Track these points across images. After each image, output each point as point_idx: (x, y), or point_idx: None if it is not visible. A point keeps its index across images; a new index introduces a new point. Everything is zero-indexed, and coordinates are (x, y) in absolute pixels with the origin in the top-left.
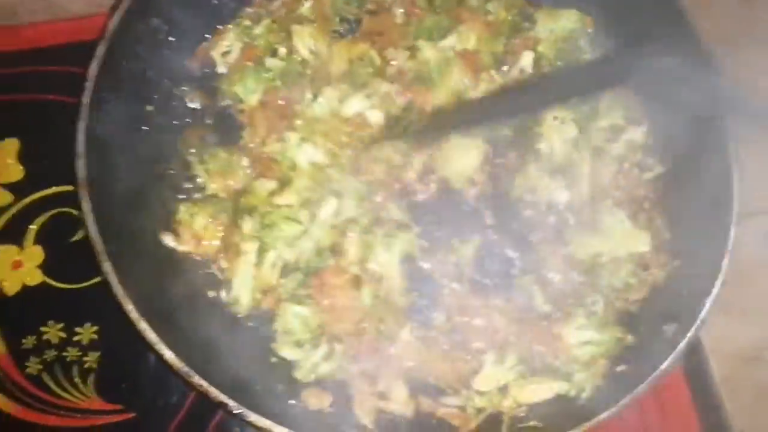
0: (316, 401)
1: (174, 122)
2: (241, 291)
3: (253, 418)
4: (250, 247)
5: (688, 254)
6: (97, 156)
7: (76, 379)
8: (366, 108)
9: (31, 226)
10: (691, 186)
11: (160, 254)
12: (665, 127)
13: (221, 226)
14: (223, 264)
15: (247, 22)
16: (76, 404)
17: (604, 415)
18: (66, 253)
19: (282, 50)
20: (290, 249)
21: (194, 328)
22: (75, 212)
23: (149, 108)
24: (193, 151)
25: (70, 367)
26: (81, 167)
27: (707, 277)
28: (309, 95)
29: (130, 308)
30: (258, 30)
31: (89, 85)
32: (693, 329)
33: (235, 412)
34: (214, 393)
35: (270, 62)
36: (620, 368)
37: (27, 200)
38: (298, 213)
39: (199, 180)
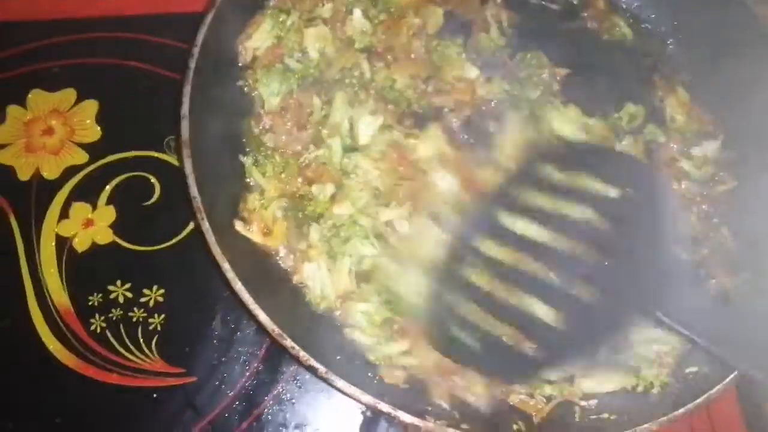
0: (392, 378)
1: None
2: (318, 294)
3: (340, 384)
4: (319, 255)
5: (758, 270)
6: (193, 123)
7: (140, 340)
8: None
9: (106, 187)
10: (760, 202)
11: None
12: (739, 141)
13: (288, 227)
14: (291, 263)
15: (281, 16)
16: (139, 364)
17: (678, 413)
18: (138, 216)
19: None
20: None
21: (277, 297)
22: (150, 177)
23: (238, 84)
24: (248, 151)
25: (135, 327)
26: (185, 128)
27: None
28: (318, 101)
29: (227, 267)
30: (289, 22)
31: (196, 51)
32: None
33: (324, 376)
34: (304, 356)
35: (292, 63)
36: (689, 369)
37: (103, 161)
38: (371, 235)
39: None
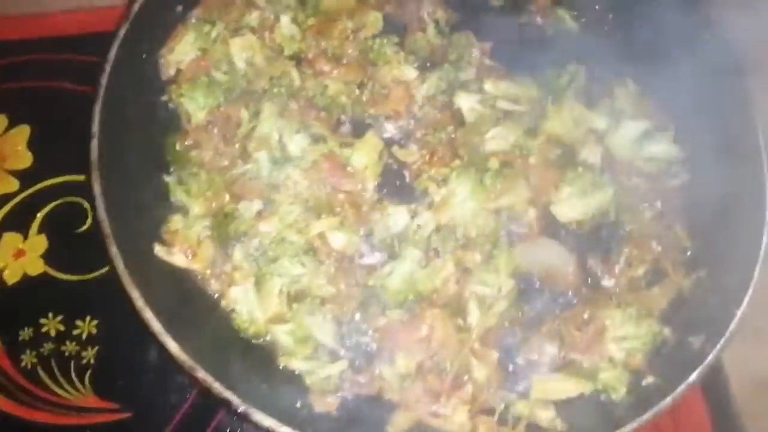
0: (323, 406)
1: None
2: (246, 319)
3: (258, 417)
4: (246, 277)
5: (715, 265)
6: (108, 142)
7: (73, 375)
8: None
9: (36, 215)
10: (718, 195)
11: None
12: (692, 133)
13: (213, 248)
14: (218, 287)
15: (205, 28)
16: (71, 401)
17: (632, 425)
18: (70, 244)
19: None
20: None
21: (198, 325)
22: (83, 202)
23: (161, 99)
24: (172, 170)
25: (67, 362)
26: (94, 148)
27: (737, 288)
28: (246, 113)
29: (136, 295)
30: (214, 33)
31: (107, 67)
32: (723, 340)
33: (239, 410)
34: (218, 389)
35: (218, 76)
36: (646, 381)
37: (34, 188)
38: (301, 253)
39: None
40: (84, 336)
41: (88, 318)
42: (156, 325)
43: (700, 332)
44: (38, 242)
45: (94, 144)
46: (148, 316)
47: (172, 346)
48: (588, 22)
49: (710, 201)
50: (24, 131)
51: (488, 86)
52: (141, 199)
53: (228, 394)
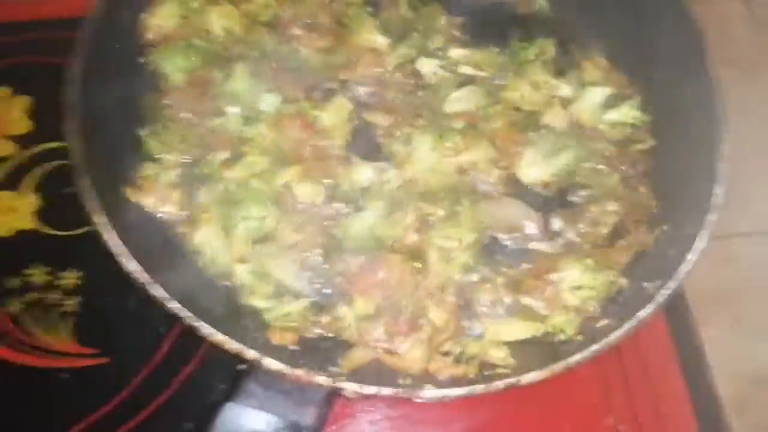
0: (279, 339)
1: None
2: (209, 259)
3: (221, 338)
4: (211, 219)
5: (675, 220)
6: (85, 91)
7: (56, 322)
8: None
9: (30, 174)
10: (680, 158)
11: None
12: (658, 102)
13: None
14: (185, 229)
15: None
16: (53, 346)
17: (575, 358)
18: (61, 203)
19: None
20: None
21: (168, 265)
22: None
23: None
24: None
25: (50, 310)
26: (72, 91)
27: (691, 238)
28: (219, 74)
29: (108, 229)
30: (195, 4)
31: (90, 18)
32: (672, 282)
33: (203, 333)
34: (187, 315)
35: (197, 42)
36: (600, 324)
37: (31, 151)
38: (265, 197)
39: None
40: (68, 287)
41: (74, 270)
42: (132, 265)
43: (656, 279)
44: (31, 200)
45: (71, 88)
46: (113, 241)
47: (133, 266)
48: (559, 2)
49: (674, 164)
50: (25, 101)
51: (452, 53)
52: (116, 145)
53: (194, 322)
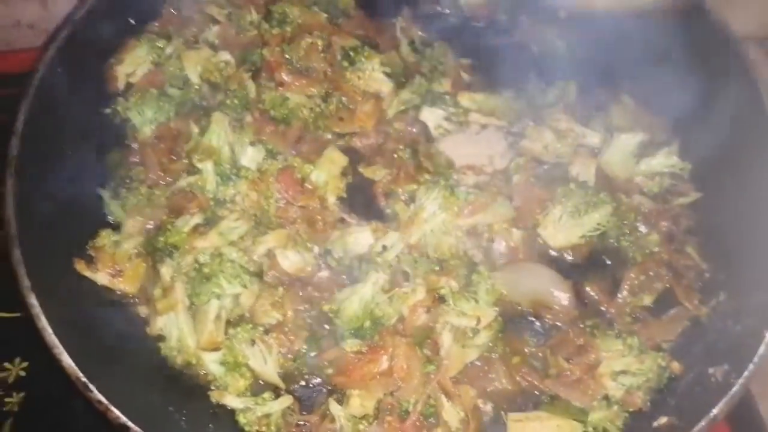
0: None
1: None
2: (173, 346)
3: None
4: (176, 299)
5: (735, 287)
6: (32, 145)
7: None
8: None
9: None
10: (734, 211)
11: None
12: (699, 147)
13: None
14: (145, 310)
15: (159, 42)
16: None
17: None
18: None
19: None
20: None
21: (122, 360)
22: None
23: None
24: (110, 183)
25: None
26: (14, 146)
27: (763, 309)
28: (195, 128)
29: (34, 305)
30: (169, 50)
31: (41, 66)
32: (748, 371)
33: None
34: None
35: (171, 91)
36: (658, 422)
37: None
38: (242, 273)
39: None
40: (10, 380)
41: (17, 360)
42: (66, 360)
43: (721, 362)
44: None
45: (14, 142)
46: (44, 328)
47: (66, 362)
48: (575, 41)
49: (726, 219)
50: None
51: (462, 99)
52: (65, 210)
53: None
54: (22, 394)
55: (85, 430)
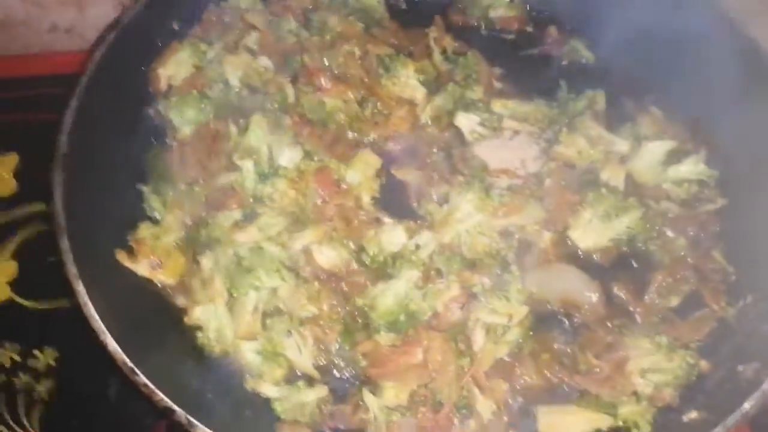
0: None
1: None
2: (212, 336)
3: None
4: (216, 290)
5: (762, 289)
6: (80, 142)
7: (21, 411)
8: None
9: (12, 241)
10: (760, 217)
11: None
12: (726, 154)
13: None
14: (185, 301)
15: (201, 47)
16: None
17: None
18: (41, 272)
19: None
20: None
21: (162, 347)
22: None
23: (126, 123)
24: (150, 179)
25: (17, 396)
26: (62, 143)
27: None
28: (234, 129)
29: (81, 291)
30: (210, 54)
31: (91, 66)
32: None
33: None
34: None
35: (211, 93)
36: (688, 417)
37: (13, 215)
38: (281, 267)
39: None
40: (40, 368)
41: (47, 349)
42: (112, 345)
43: (751, 360)
44: (8, 268)
45: (62, 139)
46: (97, 325)
47: (113, 347)
48: (604, 52)
49: (751, 224)
50: (12, 159)
51: (496, 106)
52: (109, 204)
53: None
54: (51, 383)
55: (114, 418)
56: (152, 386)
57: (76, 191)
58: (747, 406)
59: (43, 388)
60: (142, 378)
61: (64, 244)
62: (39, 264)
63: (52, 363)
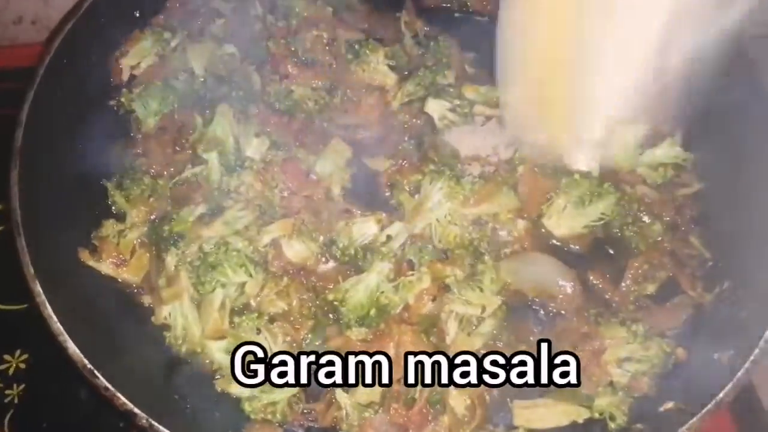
0: None
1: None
2: (179, 335)
3: None
4: (182, 287)
5: (739, 275)
6: (36, 136)
7: None
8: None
9: None
10: (738, 201)
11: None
12: (700, 137)
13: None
14: (150, 299)
15: (164, 35)
16: None
17: None
18: (5, 273)
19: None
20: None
21: (127, 348)
22: None
23: (88, 116)
24: (113, 174)
25: None
26: (18, 137)
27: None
28: (200, 120)
29: (41, 298)
30: (174, 42)
31: (47, 58)
32: (754, 355)
33: None
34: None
35: (175, 83)
36: (665, 407)
37: None
38: (247, 262)
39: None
40: (11, 372)
41: (17, 352)
42: (71, 347)
43: (727, 348)
44: None
45: (18, 133)
46: (55, 327)
47: (72, 349)
48: None
49: (729, 209)
50: None
51: (467, 91)
52: (71, 202)
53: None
54: (22, 386)
55: (86, 421)
56: (113, 389)
57: (34, 188)
58: (721, 395)
59: (14, 392)
60: (102, 381)
61: (21, 243)
62: (2, 265)
63: (22, 366)
